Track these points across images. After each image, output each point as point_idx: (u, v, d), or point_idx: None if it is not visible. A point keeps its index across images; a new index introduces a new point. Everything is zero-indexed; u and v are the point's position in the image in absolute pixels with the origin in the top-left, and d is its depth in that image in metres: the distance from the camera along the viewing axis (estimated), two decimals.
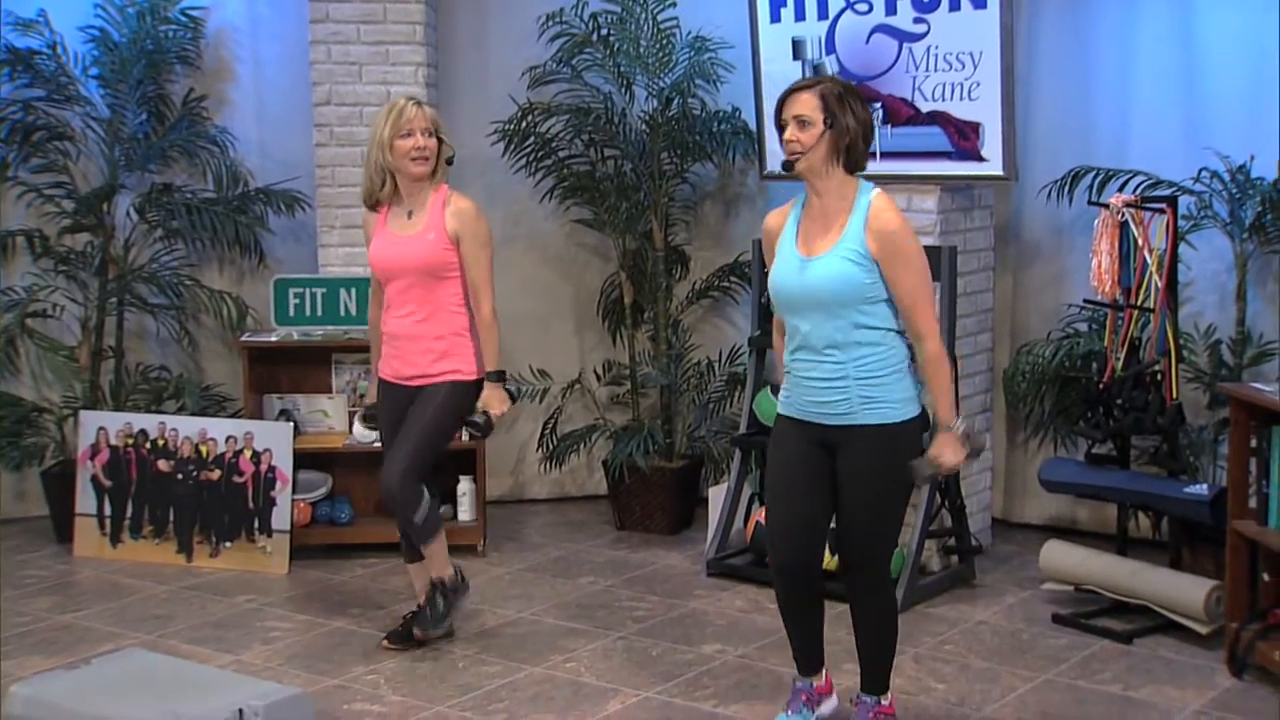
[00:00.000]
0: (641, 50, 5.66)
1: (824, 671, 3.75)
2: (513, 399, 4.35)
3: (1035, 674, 4.18)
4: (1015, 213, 5.57)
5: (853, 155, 3.42)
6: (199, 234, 5.84)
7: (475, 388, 4.28)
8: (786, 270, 3.46)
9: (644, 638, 4.53)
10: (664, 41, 5.68)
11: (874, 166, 5.02)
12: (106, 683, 3.51)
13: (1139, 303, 4.64)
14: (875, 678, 3.64)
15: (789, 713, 3.71)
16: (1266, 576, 4.17)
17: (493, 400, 4.25)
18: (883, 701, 3.65)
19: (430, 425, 4.23)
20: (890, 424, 3.42)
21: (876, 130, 5.06)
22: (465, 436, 5.04)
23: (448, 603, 4.40)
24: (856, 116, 3.40)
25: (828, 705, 3.75)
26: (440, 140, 4.21)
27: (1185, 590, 4.38)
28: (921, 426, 3.52)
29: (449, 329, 4.24)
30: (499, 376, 4.27)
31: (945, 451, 3.44)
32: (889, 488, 3.48)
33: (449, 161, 4.29)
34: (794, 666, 3.75)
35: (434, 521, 4.33)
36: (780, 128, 3.45)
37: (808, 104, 3.38)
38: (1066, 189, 5.19)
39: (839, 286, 3.36)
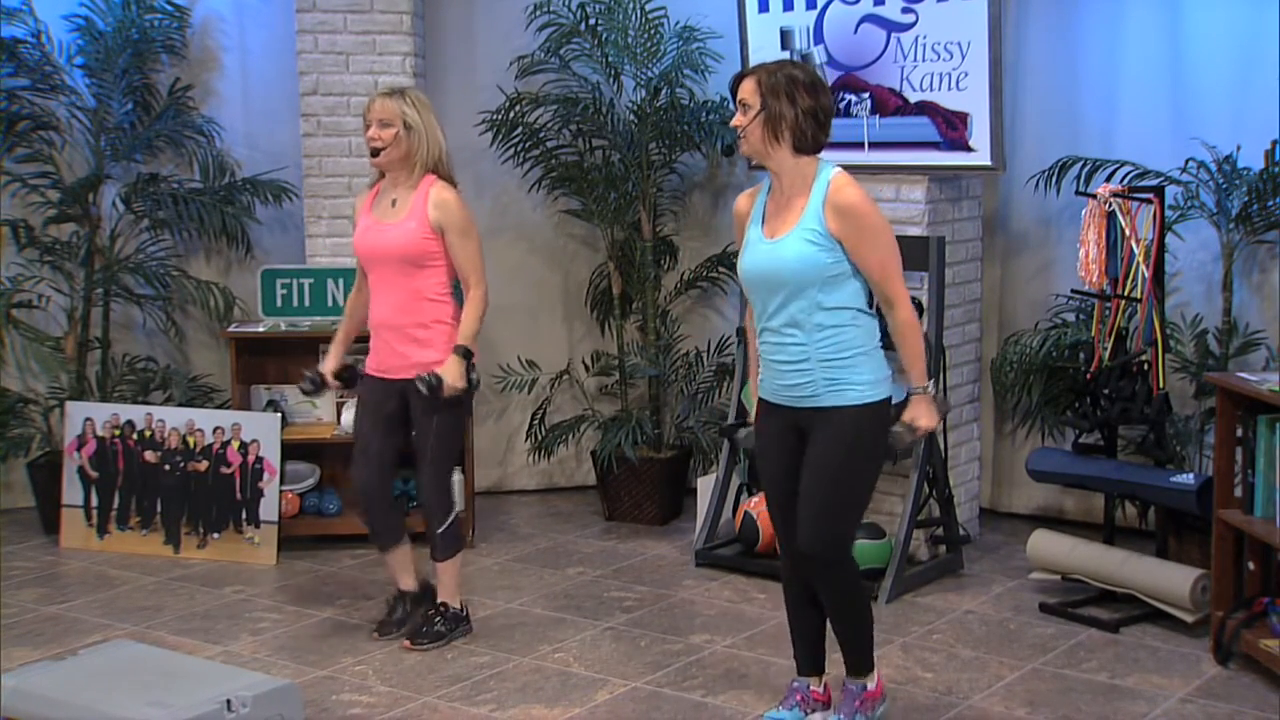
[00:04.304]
0: (629, 40, 5.65)
1: (824, 679, 3.70)
2: (470, 385, 4.22)
3: (1022, 663, 4.20)
4: (1003, 203, 5.58)
5: (798, 138, 3.41)
6: (186, 224, 5.83)
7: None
8: (752, 254, 3.48)
9: (632, 628, 4.54)
10: (652, 31, 5.67)
11: (862, 157, 5.07)
12: (94, 674, 3.50)
13: (1126, 293, 4.65)
14: (855, 659, 3.62)
15: (781, 709, 3.67)
16: (1252, 565, 4.19)
17: (450, 369, 4.16)
18: (869, 685, 3.63)
19: (439, 428, 4.23)
20: (855, 406, 3.42)
21: (866, 121, 5.09)
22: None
23: (447, 630, 4.39)
24: (795, 101, 3.38)
25: (821, 717, 3.66)
26: (408, 127, 4.17)
27: (1171, 579, 4.39)
28: (891, 409, 3.49)
29: (432, 317, 4.22)
30: (465, 353, 4.18)
31: (920, 414, 3.47)
32: (850, 472, 3.44)
33: (439, 167, 4.25)
34: (788, 660, 3.73)
35: (455, 537, 4.36)
36: None
37: (747, 88, 3.44)
38: (1054, 179, 5.20)
39: (799, 268, 3.36)
